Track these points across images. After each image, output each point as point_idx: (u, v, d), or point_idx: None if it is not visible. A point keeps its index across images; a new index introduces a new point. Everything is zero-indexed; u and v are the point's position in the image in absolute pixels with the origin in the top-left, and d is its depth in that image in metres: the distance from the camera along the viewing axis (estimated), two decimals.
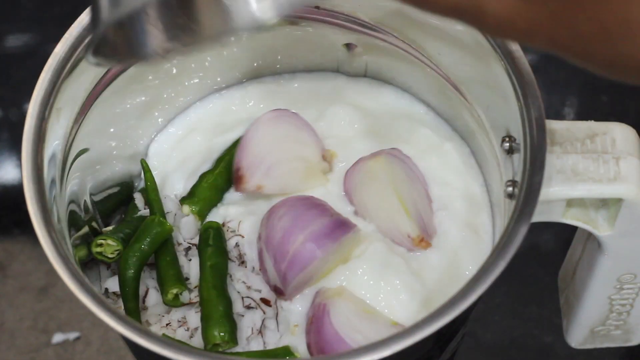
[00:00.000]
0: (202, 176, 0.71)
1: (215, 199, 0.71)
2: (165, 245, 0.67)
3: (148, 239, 0.66)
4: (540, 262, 0.86)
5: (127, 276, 0.66)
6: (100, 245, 0.67)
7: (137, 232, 0.67)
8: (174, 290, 0.66)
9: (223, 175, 0.71)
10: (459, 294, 0.55)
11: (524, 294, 0.85)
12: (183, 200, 0.70)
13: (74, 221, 0.66)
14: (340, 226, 0.65)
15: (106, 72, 0.67)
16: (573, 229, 0.68)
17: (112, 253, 0.67)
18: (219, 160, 0.72)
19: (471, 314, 0.64)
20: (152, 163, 0.73)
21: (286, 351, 0.65)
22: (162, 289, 0.66)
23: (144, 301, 0.67)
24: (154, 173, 0.71)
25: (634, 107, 0.92)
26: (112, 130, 0.71)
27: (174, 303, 0.66)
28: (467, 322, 0.67)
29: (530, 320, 0.84)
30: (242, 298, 0.67)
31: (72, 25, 0.63)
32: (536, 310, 0.84)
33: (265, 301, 0.66)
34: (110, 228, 0.70)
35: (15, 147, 0.93)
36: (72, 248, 0.63)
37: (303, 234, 0.64)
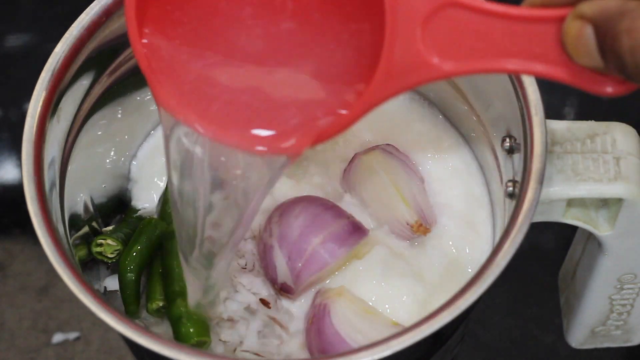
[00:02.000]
0: None
1: None
2: (164, 254, 0.67)
3: (145, 241, 0.67)
4: (540, 262, 0.86)
5: (127, 279, 0.66)
6: (100, 245, 0.67)
7: (135, 234, 0.67)
8: (159, 304, 0.66)
9: None
10: (458, 294, 0.55)
11: (524, 294, 0.85)
12: None
13: (74, 221, 0.66)
14: (357, 229, 0.66)
15: (105, 73, 0.67)
16: (573, 229, 0.68)
17: (111, 253, 0.67)
18: None
19: (471, 314, 0.64)
20: (149, 160, 0.73)
21: None
22: (148, 298, 0.66)
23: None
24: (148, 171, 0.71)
25: (634, 107, 0.92)
26: (112, 129, 0.71)
27: (157, 315, 0.66)
28: (467, 322, 0.67)
29: (531, 320, 0.84)
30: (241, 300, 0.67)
31: (72, 25, 0.63)
32: (536, 310, 0.84)
33: (265, 302, 0.66)
34: (110, 228, 0.70)
35: (15, 147, 0.93)
36: (72, 248, 0.63)
37: (322, 234, 0.64)
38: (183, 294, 0.65)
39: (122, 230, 0.69)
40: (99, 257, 0.67)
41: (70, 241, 0.63)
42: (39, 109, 0.61)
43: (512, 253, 0.56)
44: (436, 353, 0.64)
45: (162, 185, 0.72)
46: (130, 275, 0.66)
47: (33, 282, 0.86)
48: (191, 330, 0.64)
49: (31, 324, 0.85)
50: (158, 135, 0.75)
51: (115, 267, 0.69)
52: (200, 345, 0.64)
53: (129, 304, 0.66)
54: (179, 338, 0.64)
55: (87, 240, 0.68)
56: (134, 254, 0.66)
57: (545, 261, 0.85)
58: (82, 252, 0.66)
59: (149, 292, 0.67)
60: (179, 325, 0.64)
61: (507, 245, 0.56)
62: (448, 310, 0.54)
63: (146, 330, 0.55)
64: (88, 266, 0.68)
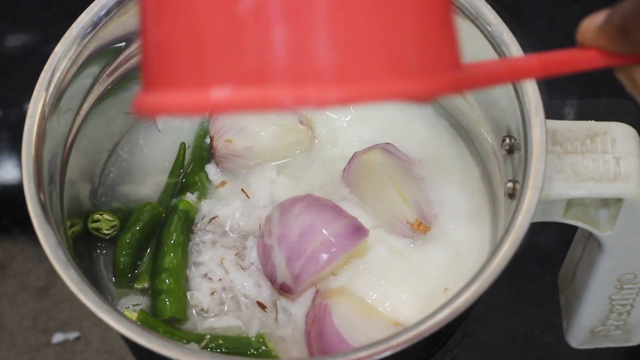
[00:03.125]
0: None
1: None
2: (161, 229, 0.68)
3: (142, 226, 0.68)
4: (541, 262, 0.86)
5: (121, 262, 0.66)
6: (97, 221, 0.67)
7: (132, 218, 0.68)
8: (145, 284, 0.67)
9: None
10: (458, 294, 0.55)
11: (524, 294, 0.85)
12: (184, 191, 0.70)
13: (73, 219, 0.66)
14: (358, 230, 0.66)
15: (106, 72, 0.67)
16: (573, 229, 0.68)
17: (108, 229, 0.67)
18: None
19: (471, 314, 0.64)
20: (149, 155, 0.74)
21: (261, 340, 0.65)
22: (136, 277, 0.67)
23: None
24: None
25: (634, 107, 0.92)
26: (111, 128, 0.71)
27: (141, 293, 0.67)
28: (467, 322, 0.67)
29: (531, 320, 0.84)
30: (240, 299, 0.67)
31: (72, 25, 0.63)
32: (536, 310, 0.84)
33: (261, 305, 0.66)
34: None
35: (15, 147, 0.93)
36: (73, 247, 0.63)
37: (323, 235, 0.64)
38: (169, 269, 0.66)
39: (119, 209, 0.69)
40: (95, 232, 0.67)
41: (68, 231, 0.64)
42: (39, 109, 0.61)
43: (512, 253, 0.56)
44: (436, 353, 0.64)
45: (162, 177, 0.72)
46: (125, 259, 0.67)
47: (33, 282, 0.86)
48: (167, 304, 0.65)
49: (31, 324, 0.85)
50: (156, 132, 0.75)
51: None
52: (174, 322, 0.65)
53: (119, 284, 0.67)
54: (155, 311, 0.65)
55: (82, 216, 0.68)
56: (130, 236, 0.67)
57: (545, 261, 0.85)
58: (77, 228, 0.67)
59: (138, 272, 0.67)
60: (159, 298, 0.65)
61: (507, 245, 0.56)
62: (448, 311, 0.54)
63: (146, 330, 0.55)
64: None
